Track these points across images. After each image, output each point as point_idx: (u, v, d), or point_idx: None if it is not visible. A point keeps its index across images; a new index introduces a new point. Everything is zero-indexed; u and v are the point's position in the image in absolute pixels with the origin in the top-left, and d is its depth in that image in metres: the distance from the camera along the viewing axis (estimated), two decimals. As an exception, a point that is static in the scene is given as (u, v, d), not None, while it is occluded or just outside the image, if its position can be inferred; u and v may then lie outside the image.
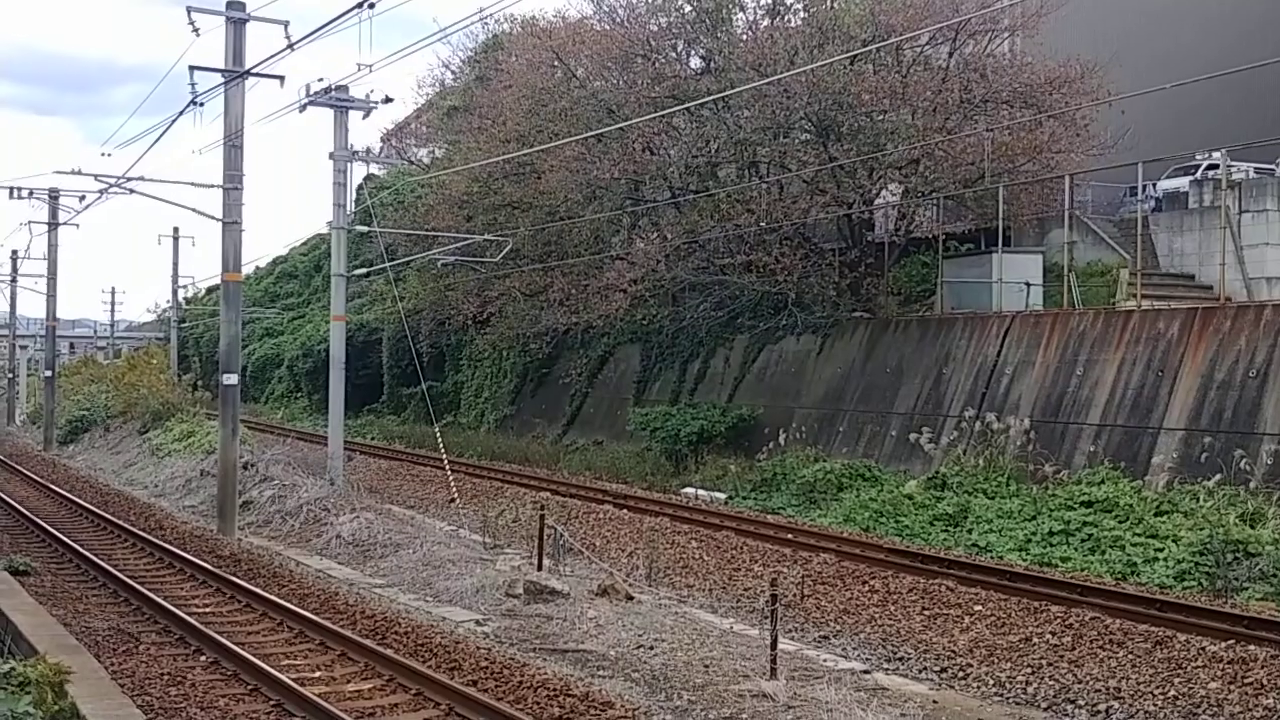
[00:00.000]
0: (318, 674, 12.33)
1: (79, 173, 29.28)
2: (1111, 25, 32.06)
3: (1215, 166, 28.89)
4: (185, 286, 68.11)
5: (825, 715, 10.95)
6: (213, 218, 23.25)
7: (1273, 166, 30.78)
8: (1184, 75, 24.71)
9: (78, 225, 55.60)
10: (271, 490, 24.70)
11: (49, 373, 48.32)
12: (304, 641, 13.75)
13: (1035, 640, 13.79)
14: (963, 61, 29.29)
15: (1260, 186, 27.91)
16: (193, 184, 29.07)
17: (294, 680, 11.51)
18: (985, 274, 28.02)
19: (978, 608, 15.33)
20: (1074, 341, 23.51)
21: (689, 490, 27.01)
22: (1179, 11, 35.38)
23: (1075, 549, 18.44)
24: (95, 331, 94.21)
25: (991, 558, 18.53)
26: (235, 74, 22.30)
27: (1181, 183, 30.95)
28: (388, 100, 27.16)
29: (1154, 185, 31.17)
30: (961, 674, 12.87)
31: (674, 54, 32.89)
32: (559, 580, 16.40)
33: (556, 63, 33.69)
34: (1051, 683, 12.32)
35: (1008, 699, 12.06)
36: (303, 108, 25.84)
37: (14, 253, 60.29)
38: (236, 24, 22.35)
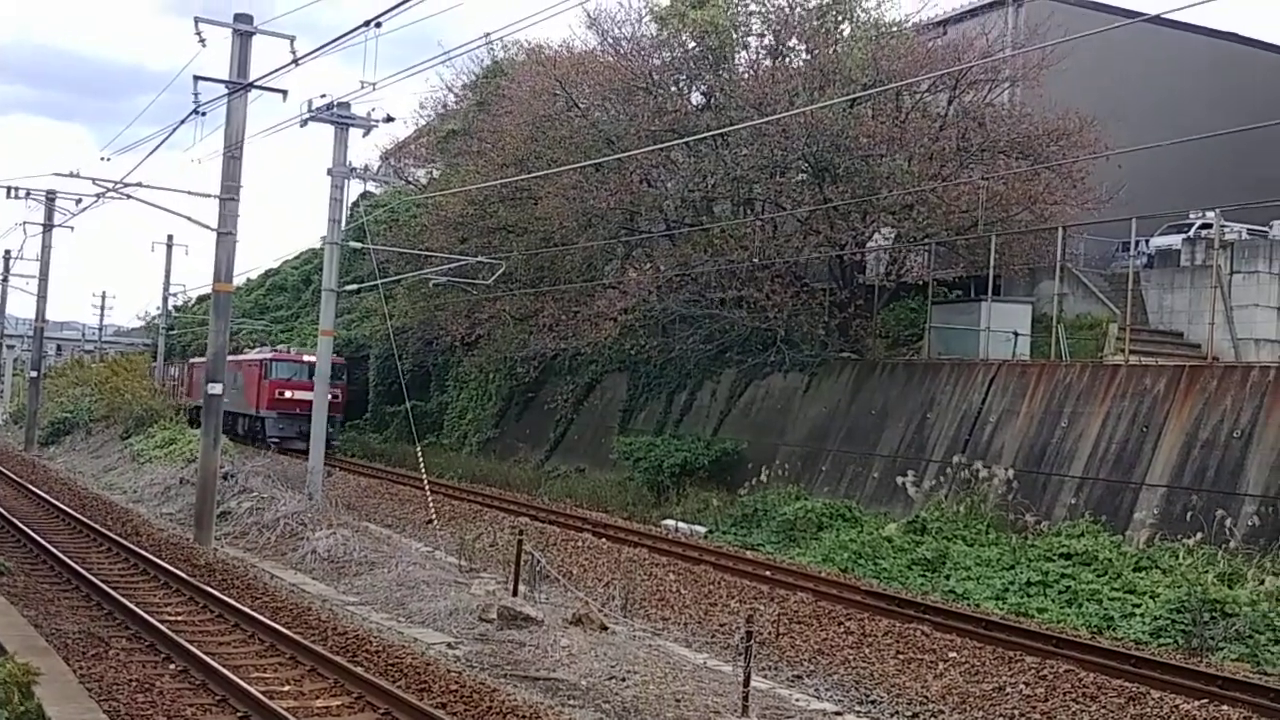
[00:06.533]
0: (287, 688, 12.25)
1: (76, 175, 29.52)
2: (1111, 81, 32.29)
3: (1208, 226, 29.07)
4: (176, 294, 67.89)
5: (795, 755, 10.88)
6: (208, 227, 23.25)
7: (1265, 229, 30.99)
8: (1181, 134, 24.91)
9: (72, 228, 55.58)
10: (250, 502, 24.61)
11: (34, 373, 48.14)
12: (274, 655, 13.65)
13: (1009, 690, 13.76)
14: (961, 110, 29.48)
15: (1252, 248, 28.09)
16: (189, 192, 29.08)
17: (262, 693, 11.42)
18: (974, 321, 28.12)
19: (952, 654, 15.30)
20: (1059, 393, 23.57)
21: (669, 522, 26.94)
22: (1179, 71, 35.68)
23: (1052, 600, 18.43)
24: (84, 335, 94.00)
25: (968, 605, 18.51)
26: (239, 85, 22.35)
27: (1174, 240, 31.12)
28: (389, 119, 27.30)
29: (1147, 241, 31.35)
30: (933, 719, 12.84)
31: (675, 89, 33.08)
32: (534, 607, 16.31)
33: (559, 91, 33.83)
34: (1023, 733, 12.28)
35: (978, 747, 12.02)
36: (304, 123, 25.91)
37: (6, 252, 60.22)
38: (243, 36, 22.43)
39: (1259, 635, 15.93)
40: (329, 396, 40.13)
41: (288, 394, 39.44)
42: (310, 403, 38.36)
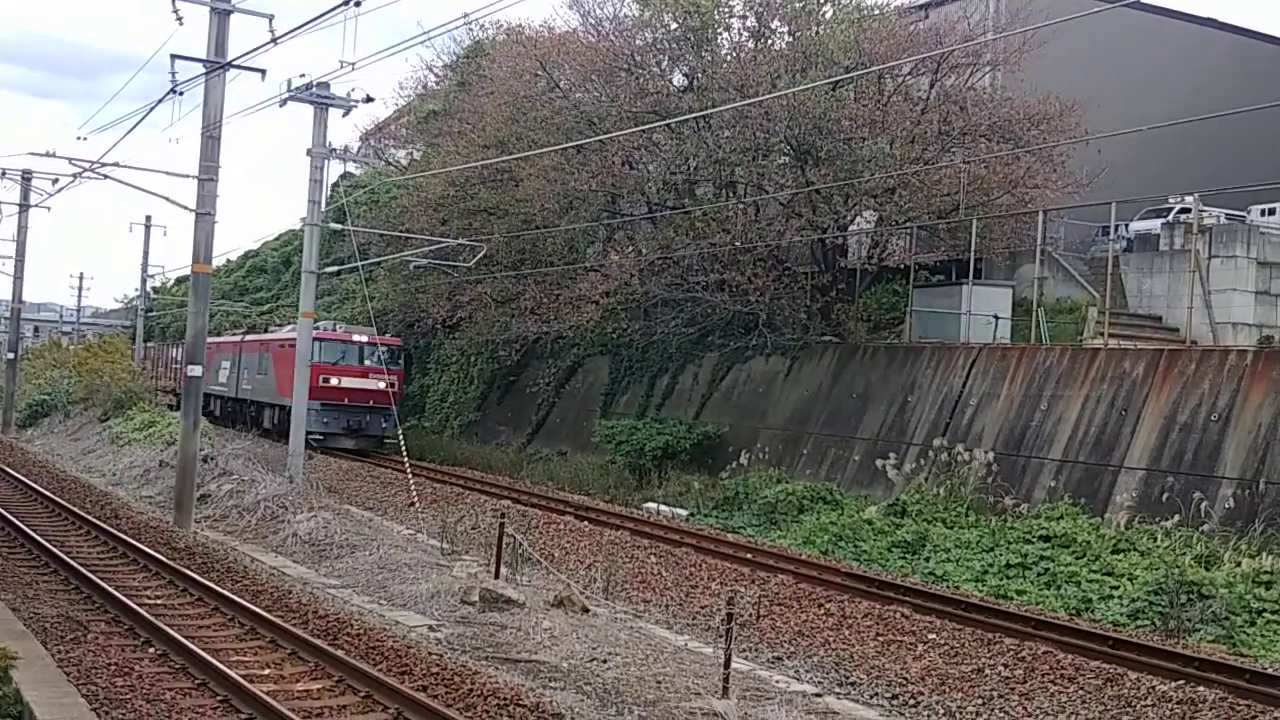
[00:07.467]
0: (267, 671, 12.21)
1: (53, 155, 29.15)
2: (1091, 66, 32.35)
3: (1187, 210, 29.20)
4: (154, 276, 67.52)
5: (775, 737, 10.92)
6: (186, 208, 23.10)
7: (1243, 213, 31.13)
8: (1160, 119, 24.97)
9: (49, 208, 55.12)
10: (230, 485, 24.49)
11: (11, 355, 47.83)
12: (255, 638, 13.61)
13: (987, 671, 13.83)
14: (943, 93, 29.48)
15: (1230, 233, 28.24)
16: (167, 173, 29.14)
17: (243, 676, 11.39)
18: (954, 305, 28.20)
19: (931, 636, 15.37)
20: (1039, 376, 23.66)
21: (651, 505, 26.97)
22: (1158, 56, 35.78)
23: (1031, 582, 18.53)
24: (61, 316, 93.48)
25: (947, 587, 18.59)
26: (217, 64, 22.17)
27: (1153, 225, 31.27)
28: (368, 99, 27.10)
29: (1126, 226, 31.49)
30: (913, 701, 12.89)
31: (658, 70, 32.97)
32: (515, 589, 16.32)
33: (540, 71, 33.69)
34: (1002, 714, 12.36)
35: (957, 729, 12.08)
36: (283, 103, 25.72)
37: (-18, 231, 59.73)
38: (221, 14, 22.23)
39: (1235, 617, 16.07)
40: (383, 385, 34.38)
41: (334, 381, 33.44)
42: (366, 392, 34.77)
